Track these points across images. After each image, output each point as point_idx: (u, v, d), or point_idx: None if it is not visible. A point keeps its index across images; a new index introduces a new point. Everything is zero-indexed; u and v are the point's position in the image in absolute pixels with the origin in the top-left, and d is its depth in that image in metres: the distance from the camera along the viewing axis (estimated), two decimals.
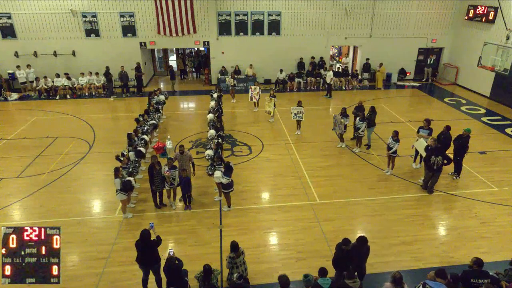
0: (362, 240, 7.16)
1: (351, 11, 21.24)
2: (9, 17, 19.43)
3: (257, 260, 8.44)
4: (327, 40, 22.12)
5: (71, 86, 20.01)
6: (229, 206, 10.32)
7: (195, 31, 20.90)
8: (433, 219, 10.09)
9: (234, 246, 7.22)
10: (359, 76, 22.35)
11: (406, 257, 8.58)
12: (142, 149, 11.49)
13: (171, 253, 7.00)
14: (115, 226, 9.69)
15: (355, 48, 23.93)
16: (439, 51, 23.25)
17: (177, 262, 6.97)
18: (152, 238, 7.27)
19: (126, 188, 9.61)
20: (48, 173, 12.21)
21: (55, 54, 20.35)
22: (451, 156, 11.42)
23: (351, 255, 7.12)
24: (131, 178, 9.85)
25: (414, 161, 12.69)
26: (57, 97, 19.82)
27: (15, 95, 19.80)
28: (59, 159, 13.07)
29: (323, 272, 6.47)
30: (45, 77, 19.74)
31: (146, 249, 7.23)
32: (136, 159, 11.07)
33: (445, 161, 10.58)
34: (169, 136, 13.19)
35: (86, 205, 10.67)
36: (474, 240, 9.17)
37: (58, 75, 19.98)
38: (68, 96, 19.97)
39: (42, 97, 19.78)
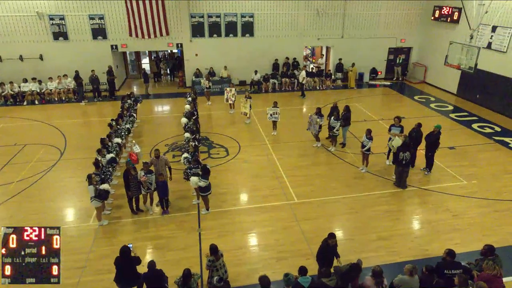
0: (351, 267, 6.85)
1: (322, 12, 21.56)
2: None
3: (237, 262, 8.42)
4: (300, 41, 22.38)
5: (39, 91, 19.33)
6: (207, 209, 10.25)
7: (167, 33, 20.63)
8: (408, 213, 10.38)
9: (213, 249, 7.18)
10: (333, 76, 22.72)
11: (384, 252, 8.78)
12: (113, 155, 11.17)
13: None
14: (90, 234, 9.43)
15: (327, 49, 24.32)
16: (408, 51, 23.97)
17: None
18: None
19: (102, 196, 9.39)
20: (18, 182, 11.73)
21: (21, 58, 19.59)
22: (423, 152, 11.77)
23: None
24: (106, 186, 9.59)
25: (388, 158, 13.01)
26: (25, 103, 19.08)
27: None
28: (29, 167, 12.59)
29: (303, 271, 6.54)
30: (11, 83, 18.96)
31: (126, 266, 7.05)
32: (110, 165, 10.80)
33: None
34: (134, 141, 12.86)
35: (59, 214, 10.33)
36: (447, 232, 9.50)
37: (25, 80, 19.25)
38: (37, 102, 19.26)
39: (8, 103, 19.00)
